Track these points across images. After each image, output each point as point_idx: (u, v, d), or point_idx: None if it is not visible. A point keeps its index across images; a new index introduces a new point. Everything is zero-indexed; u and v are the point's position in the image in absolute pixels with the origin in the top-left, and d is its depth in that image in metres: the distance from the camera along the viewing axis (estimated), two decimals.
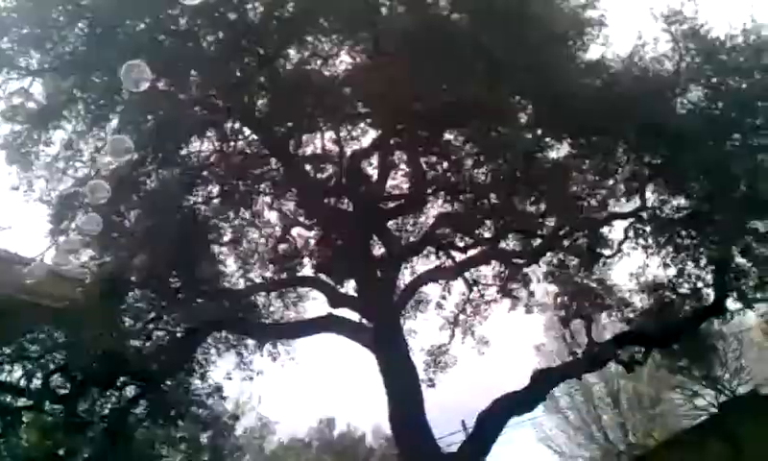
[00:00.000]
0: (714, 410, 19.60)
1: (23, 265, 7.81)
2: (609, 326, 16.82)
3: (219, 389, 14.02)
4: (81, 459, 12.47)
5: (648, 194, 13.47)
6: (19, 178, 11.74)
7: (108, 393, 13.03)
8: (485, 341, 16.00)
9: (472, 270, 15.57)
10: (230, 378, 14.28)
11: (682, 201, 13.42)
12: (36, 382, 12.01)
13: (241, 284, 14.20)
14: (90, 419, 12.73)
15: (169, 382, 13.52)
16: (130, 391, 13.26)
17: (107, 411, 13.03)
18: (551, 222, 13.89)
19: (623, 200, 13.60)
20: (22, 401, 12.24)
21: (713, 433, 16.82)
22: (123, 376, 12.67)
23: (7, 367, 11.84)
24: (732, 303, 13.60)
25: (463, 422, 24.16)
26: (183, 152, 12.71)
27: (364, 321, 14.14)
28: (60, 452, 12.54)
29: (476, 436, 13.29)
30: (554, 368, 15.59)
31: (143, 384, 13.06)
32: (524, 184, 13.10)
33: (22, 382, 11.92)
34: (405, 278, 15.19)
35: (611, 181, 13.44)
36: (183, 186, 12.41)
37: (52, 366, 12.20)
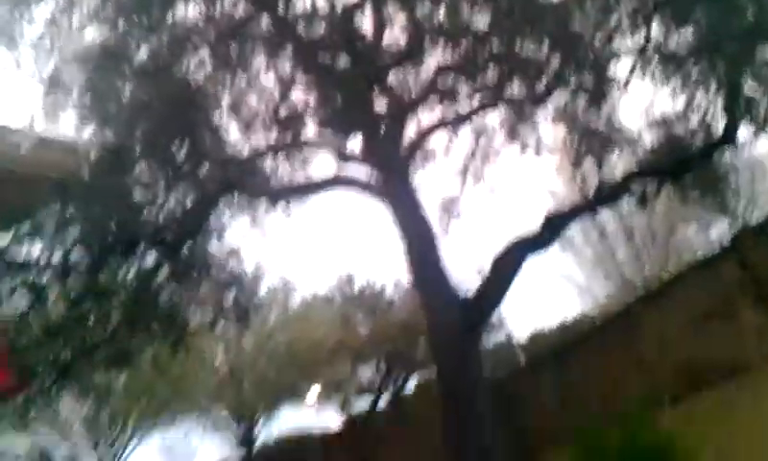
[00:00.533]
0: (728, 240, 19.68)
1: (12, 136, 7.83)
2: (619, 164, 16.65)
3: (236, 251, 14.40)
4: (110, 326, 13.08)
5: (653, 28, 12.97)
6: (6, 58, 11.68)
7: (128, 262, 13.47)
8: (496, 188, 16.04)
9: (479, 117, 15.35)
10: (246, 238, 14.62)
11: (688, 32, 12.91)
12: (57, 257, 12.43)
13: (246, 151, 14.23)
14: (114, 288, 13.25)
15: (187, 249, 13.90)
16: (150, 260, 13.67)
17: (129, 279, 13.52)
18: (555, 63, 13.47)
19: (628, 35, 13.13)
20: (46, 277, 12.72)
21: (728, 262, 17.04)
22: (141, 244, 13.03)
23: (26, 244, 12.17)
24: (742, 132, 13.37)
25: (479, 267, 24.64)
26: (169, 19, 12.42)
27: (372, 176, 14.25)
28: (90, 322, 13.19)
29: (493, 279, 13.38)
30: (567, 208, 15.58)
31: (162, 251, 13.43)
32: (525, 26, 12.67)
33: (42, 259, 12.32)
34: (410, 130, 15.08)
35: (614, 17, 12.93)
36: (174, 54, 12.22)
37: (70, 240, 12.56)
